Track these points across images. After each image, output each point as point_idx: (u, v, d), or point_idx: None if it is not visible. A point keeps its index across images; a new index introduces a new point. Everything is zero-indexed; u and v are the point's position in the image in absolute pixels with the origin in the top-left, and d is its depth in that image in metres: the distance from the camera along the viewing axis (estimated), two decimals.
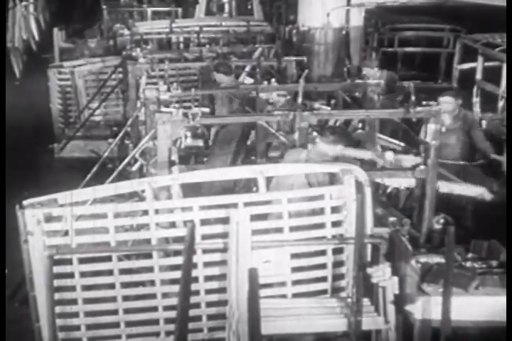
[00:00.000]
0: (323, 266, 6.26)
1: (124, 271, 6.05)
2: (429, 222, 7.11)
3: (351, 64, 13.79)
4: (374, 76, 11.22)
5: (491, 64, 11.34)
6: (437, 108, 7.34)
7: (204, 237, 6.02)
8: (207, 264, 6.09)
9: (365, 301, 6.04)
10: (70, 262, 5.96)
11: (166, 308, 6.09)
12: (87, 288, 6.05)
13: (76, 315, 6.06)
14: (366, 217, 6.10)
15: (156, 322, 6.15)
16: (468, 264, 6.25)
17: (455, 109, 9.04)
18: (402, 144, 8.47)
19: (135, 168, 8.28)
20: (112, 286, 6.07)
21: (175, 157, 7.42)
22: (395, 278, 5.88)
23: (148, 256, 6.09)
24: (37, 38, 19.99)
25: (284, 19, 17.17)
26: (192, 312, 5.75)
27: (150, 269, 6.07)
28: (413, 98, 7.72)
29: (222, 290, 6.06)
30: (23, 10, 18.96)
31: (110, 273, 6.03)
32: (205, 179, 6.59)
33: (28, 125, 12.72)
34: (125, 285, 6.08)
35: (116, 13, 18.44)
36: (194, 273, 5.85)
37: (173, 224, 6.20)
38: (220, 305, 6.07)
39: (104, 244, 6.00)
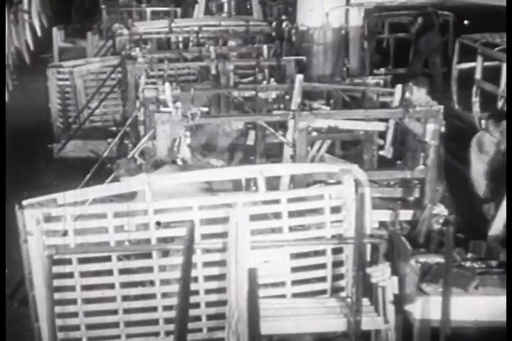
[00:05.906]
0: (322, 266, 6.25)
1: (123, 271, 6.05)
2: (429, 222, 7.12)
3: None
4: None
5: (490, 64, 11.35)
6: (437, 108, 7.33)
7: (203, 237, 6.02)
8: (206, 264, 6.09)
9: (365, 301, 6.03)
10: (69, 262, 5.95)
11: (166, 308, 6.09)
12: (86, 287, 6.05)
13: (75, 314, 6.06)
14: (365, 217, 6.09)
15: (155, 322, 6.14)
16: (468, 264, 6.24)
17: None
18: None
19: None
20: (111, 286, 6.06)
21: None
22: (395, 278, 5.87)
23: (148, 255, 6.09)
24: (32, 47, 18.92)
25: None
26: (191, 312, 5.75)
27: (149, 269, 6.07)
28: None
29: (221, 290, 6.05)
30: (12, 16, 17.35)
31: (109, 273, 6.03)
32: (205, 179, 6.59)
33: (28, 125, 12.70)
34: (125, 285, 6.07)
35: (116, 13, 18.43)
36: (193, 273, 5.84)
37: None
38: (219, 305, 6.07)
39: (103, 243, 6.00)
